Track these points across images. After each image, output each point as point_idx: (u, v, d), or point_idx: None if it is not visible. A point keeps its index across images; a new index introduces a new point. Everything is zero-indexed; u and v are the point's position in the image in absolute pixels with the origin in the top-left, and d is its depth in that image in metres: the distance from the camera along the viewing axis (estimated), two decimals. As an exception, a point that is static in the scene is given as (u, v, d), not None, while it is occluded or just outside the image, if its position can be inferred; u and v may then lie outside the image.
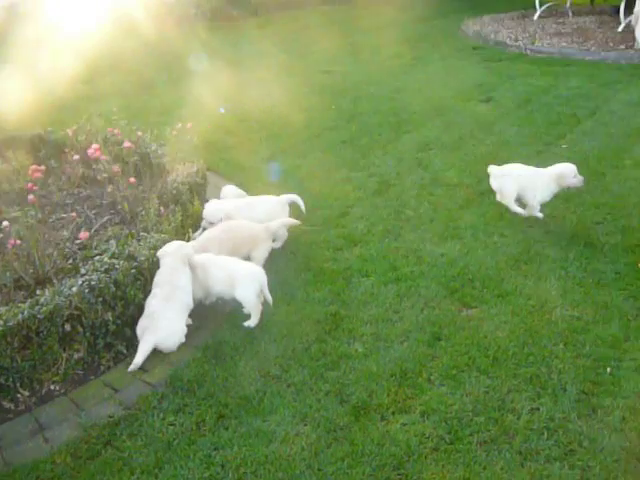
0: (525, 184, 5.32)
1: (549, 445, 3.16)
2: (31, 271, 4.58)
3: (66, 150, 6.29)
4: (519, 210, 5.36)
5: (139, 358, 3.83)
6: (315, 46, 13.71)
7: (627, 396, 3.45)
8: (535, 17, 14.32)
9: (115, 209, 5.75)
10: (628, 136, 7.22)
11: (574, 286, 4.47)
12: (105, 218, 5.60)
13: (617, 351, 3.80)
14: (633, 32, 11.08)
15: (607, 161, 6.54)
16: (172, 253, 4.20)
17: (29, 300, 3.75)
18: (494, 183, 5.43)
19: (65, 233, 5.21)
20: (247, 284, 4.16)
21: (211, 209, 5.12)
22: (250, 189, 6.26)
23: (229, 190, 5.61)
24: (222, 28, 16.82)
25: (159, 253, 4.24)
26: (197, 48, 14.13)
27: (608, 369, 3.65)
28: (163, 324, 3.93)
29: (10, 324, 3.52)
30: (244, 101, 9.61)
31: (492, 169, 5.43)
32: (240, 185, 6.39)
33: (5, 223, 4.36)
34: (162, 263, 4.21)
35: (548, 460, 3.08)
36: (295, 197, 5.30)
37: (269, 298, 4.23)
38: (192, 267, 4.22)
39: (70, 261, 4.80)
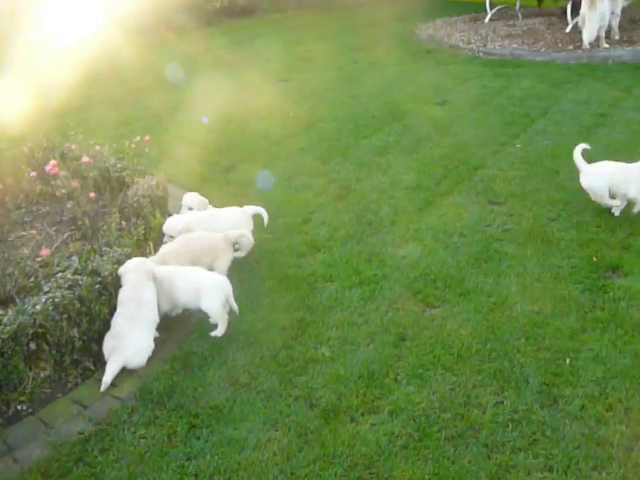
0: (617, 180, 5.30)
1: (514, 436, 3.26)
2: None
3: (22, 167, 6.21)
4: (616, 202, 5.37)
5: (108, 378, 3.81)
6: (270, 54, 13.75)
7: (585, 385, 3.57)
8: (486, 20, 14.62)
9: (75, 225, 5.70)
10: (579, 134, 7.42)
11: (533, 282, 4.60)
12: (66, 234, 5.54)
13: (575, 342, 3.93)
14: (580, 33, 11.39)
15: (560, 159, 6.72)
16: (134, 270, 4.19)
17: (-9, 320, 3.71)
18: (584, 181, 5.45)
19: (25, 251, 5.15)
20: (212, 294, 4.18)
21: (171, 223, 5.12)
22: (212, 200, 6.28)
23: (191, 198, 5.58)
24: (174, 39, 16.75)
25: (120, 270, 4.21)
26: (152, 61, 14.09)
27: (567, 360, 3.77)
28: (130, 343, 3.92)
29: (-27, 346, 3.48)
30: (201, 112, 9.60)
31: (582, 167, 5.41)
32: (202, 196, 6.43)
33: (-36, 243, 4.31)
34: (124, 280, 4.19)
35: (513, 451, 3.18)
36: (259, 209, 5.31)
37: (235, 307, 4.26)
38: (156, 280, 4.22)
39: (32, 279, 4.73)
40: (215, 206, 5.89)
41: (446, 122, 8.30)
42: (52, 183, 6.15)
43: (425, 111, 8.89)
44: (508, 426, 3.33)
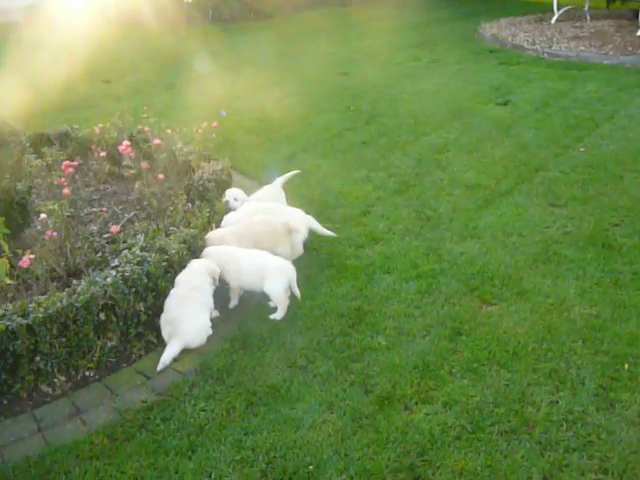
0: None
1: (568, 436, 3.27)
2: (63, 263, 4.75)
3: (92, 147, 6.45)
4: None
5: (166, 359, 3.93)
6: (331, 48, 13.84)
7: (644, 391, 3.55)
8: (553, 21, 14.39)
9: (141, 205, 5.91)
10: (646, 140, 7.31)
11: (592, 285, 4.57)
12: (132, 213, 5.76)
13: (635, 349, 3.90)
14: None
15: (625, 165, 6.63)
16: (200, 264, 4.34)
17: (67, 289, 3.90)
18: None
19: (94, 227, 5.37)
20: (276, 278, 4.29)
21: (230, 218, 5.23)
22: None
23: (235, 193, 5.62)
24: (235, 30, 17.00)
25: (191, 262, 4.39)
26: (213, 49, 14.35)
27: (626, 365, 3.75)
28: (186, 327, 4.04)
29: (50, 311, 3.67)
30: (263, 102, 9.76)
31: None
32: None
33: (43, 216, 4.52)
34: (188, 265, 4.35)
35: (567, 450, 3.19)
36: (317, 225, 5.21)
37: (297, 293, 4.36)
38: (222, 260, 4.36)
39: (99, 254, 4.95)
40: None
41: (508, 122, 8.25)
42: (123, 164, 6.39)
43: (486, 110, 8.84)
44: (562, 425, 3.34)
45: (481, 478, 3.05)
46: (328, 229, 5.21)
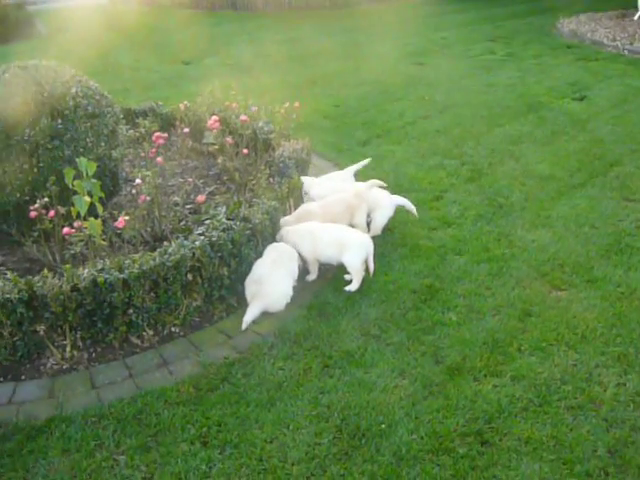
0: None
1: (635, 416, 3.36)
2: (150, 229, 5.06)
3: (177, 123, 6.77)
4: None
5: (248, 318, 4.19)
6: (406, 39, 13.89)
7: None
8: (635, 17, 14.05)
9: (221, 180, 6.19)
10: None
11: (665, 278, 4.60)
12: (213, 187, 6.05)
13: None
14: None
15: (703, 164, 6.54)
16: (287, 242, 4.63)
17: (158, 250, 4.18)
18: None
19: (177, 198, 5.67)
20: (355, 250, 4.49)
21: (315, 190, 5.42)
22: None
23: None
24: (312, 17, 17.23)
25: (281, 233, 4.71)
26: (290, 36, 14.62)
27: (696, 355, 3.79)
28: (270, 289, 4.29)
29: (144, 268, 3.96)
30: (338, 88, 9.96)
31: None
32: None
33: (138, 180, 4.83)
34: (279, 238, 4.67)
35: (633, 429, 3.28)
36: (405, 201, 5.38)
37: (372, 266, 4.54)
38: (299, 235, 4.59)
39: (182, 223, 5.24)
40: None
41: (583, 117, 8.19)
42: (203, 141, 6.69)
43: (562, 105, 8.79)
44: (629, 406, 3.42)
45: (546, 447, 3.18)
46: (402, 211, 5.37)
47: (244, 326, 4.18)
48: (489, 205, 5.79)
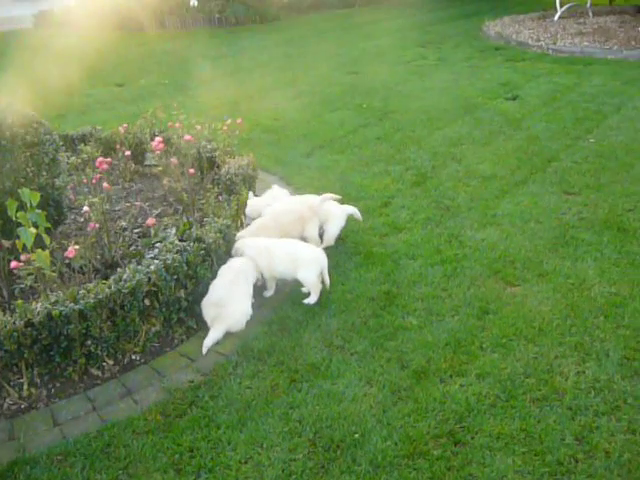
0: None
1: (596, 402, 3.46)
2: (99, 256, 4.95)
3: (117, 146, 6.66)
4: None
5: (209, 342, 4.12)
6: (338, 49, 14.08)
7: (666, 361, 3.75)
8: (556, 18, 14.61)
9: (167, 201, 6.12)
10: (653, 130, 7.51)
11: (610, 266, 4.76)
12: (160, 209, 5.97)
13: (654, 323, 4.10)
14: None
15: (635, 153, 6.83)
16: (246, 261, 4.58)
17: (113, 277, 4.09)
18: None
19: (124, 223, 5.57)
20: (309, 266, 4.48)
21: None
22: (293, 182, 6.64)
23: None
24: (241, 33, 17.25)
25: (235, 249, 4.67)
26: (222, 52, 14.59)
27: (647, 338, 3.95)
28: (231, 310, 4.24)
29: (100, 297, 3.86)
30: (276, 101, 9.99)
31: None
32: (283, 179, 6.77)
33: (86, 208, 4.71)
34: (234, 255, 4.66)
35: (596, 415, 3.38)
36: (354, 210, 5.41)
37: (327, 281, 4.54)
38: (255, 251, 4.57)
39: (132, 247, 5.15)
40: (297, 189, 6.22)
41: (518, 116, 8.45)
42: (145, 163, 6.61)
43: (496, 105, 9.05)
44: (590, 392, 3.53)
45: (517, 441, 3.24)
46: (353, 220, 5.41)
47: (204, 350, 4.12)
48: (437, 208, 5.90)
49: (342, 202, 5.49)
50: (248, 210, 5.44)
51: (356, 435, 3.33)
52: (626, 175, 6.33)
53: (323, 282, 4.57)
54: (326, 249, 4.87)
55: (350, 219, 5.40)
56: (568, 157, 6.92)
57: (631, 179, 6.23)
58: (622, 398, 3.48)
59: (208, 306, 4.33)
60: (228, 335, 4.24)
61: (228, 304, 4.28)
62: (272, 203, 5.42)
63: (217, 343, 4.17)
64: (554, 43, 12.36)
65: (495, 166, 6.79)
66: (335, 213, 5.26)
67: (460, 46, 13.36)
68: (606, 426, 3.30)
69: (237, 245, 4.75)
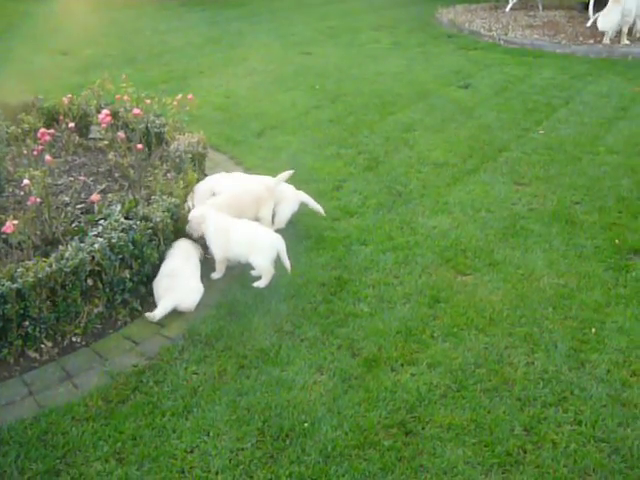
0: None
1: (545, 393, 3.49)
2: (38, 232, 4.71)
3: (60, 117, 6.37)
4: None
5: (158, 312, 4.00)
6: (293, 28, 13.87)
7: (611, 352, 3.80)
8: (507, 9, 14.75)
9: (112, 176, 5.88)
10: (600, 125, 7.64)
11: (558, 258, 4.81)
12: (104, 185, 5.73)
13: (600, 315, 4.16)
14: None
15: (582, 147, 6.93)
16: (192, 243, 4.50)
17: (54, 255, 3.89)
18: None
19: (66, 198, 5.33)
20: (265, 251, 4.36)
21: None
22: (244, 162, 6.49)
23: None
24: (193, 6, 16.83)
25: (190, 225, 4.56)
26: (172, 26, 14.19)
27: (593, 329, 3.99)
28: (183, 283, 4.13)
29: (40, 276, 3.67)
30: (227, 78, 9.76)
31: None
32: (234, 158, 6.62)
33: (26, 181, 4.47)
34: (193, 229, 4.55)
35: (544, 405, 3.41)
36: (308, 198, 5.26)
37: (287, 265, 4.41)
38: (213, 229, 4.43)
39: (74, 224, 4.93)
40: (248, 170, 6.07)
41: (470, 105, 8.48)
42: (90, 135, 6.35)
43: (448, 93, 9.06)
44: (539, 384, 3.55)
45: (468, 431, 3.23)
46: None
47: (150, 316, 3.99)
48: (388, 193, 5.85)
49: (294, 184, 5.38)
50: (202, 188, 5.23)
51: (306, 424, 3.26)
52: (574, 168, 6.42)
53: (283, 266, 4.45)
54: (277, 232, 4.76)
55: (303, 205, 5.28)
56: (518, 148, 6.97)
57: (578, 172, 6.32)
58: (569, 389, 3.52)
59: (160, 279, 4.21)
60: (175, 317, 4.11)
61: (181, 276, 4.18)
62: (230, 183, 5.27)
63: (162, 325, 4.04)
64: (505, 34, 12.46)
65: (447, 153, 6.79)
66: (289, 196, 5.15)
67: (414, 32, 13.33)
68: (554, 417, 3.33)
69: (198, 214, 4.58)
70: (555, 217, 5.42)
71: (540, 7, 14.80)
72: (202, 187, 5.20)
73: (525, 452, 3.13)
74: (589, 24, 12.57)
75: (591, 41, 11.70)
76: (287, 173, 5.10)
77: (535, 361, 3.73)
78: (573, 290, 4.42)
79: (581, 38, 11.97)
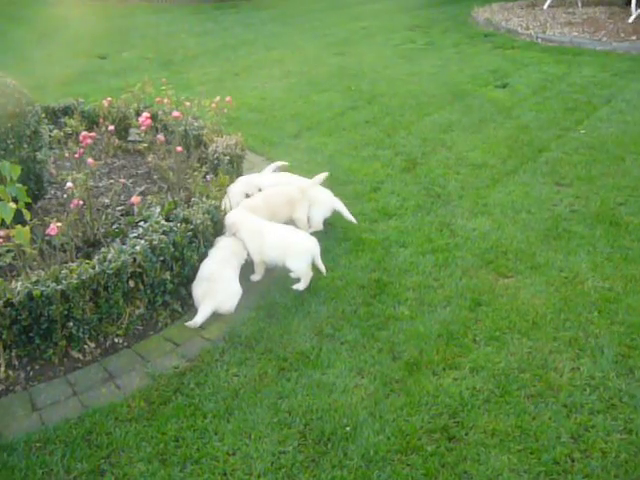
0: None
1: (592, 400, 3.40)
2: (80, 234, 4.77)
3: (100, 120, 6.44)
4: None
5: (199, 319, 4.02)
6: (326, 29, 13.86)
7: (661, 359, 3.70)
8: (545, 6, 14.52)
9: (151, 178, 5.93)
10: (644, 124, 7.46)
11: (603, 261, 4.70)
12: (143, 187, 5.79)
13: (649, 320, 4.05)
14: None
15: (625, 147, 6.77)
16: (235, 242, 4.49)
17: (97, 257, 3.93)
18: None
19: (107, 200, 5.39)
20: (300, 255, 4.35)
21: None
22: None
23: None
24: (227, 9, 16.93)
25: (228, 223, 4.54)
26: (207, 28, 14.29)
27: (641, 335, 3.90)
28: (222, 287, 4.14)
29: (83, 278, 3.71)
30: (263, 80, 9.79)
31: None
32: (270, 160, 6.61)
33: (69, 184, 4.53)
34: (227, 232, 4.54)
35: (592, 413, 3.32)
36: (341, 207, 5.16)
37: (322, 268, 4.41)
38: (248, 231, 4.43)
39: (115, 226, 4.97)
40: (284, 171, 6.05)
41: (508, 104, 8.36)
42: (129, 138, 6.41)
43: (485, 93, 8.94)
44: (586, 390, 3.47)
45: (512, 438, 3.17)
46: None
47: (191, 324, 4.02)
48: (427, 195, 5.79)
49: (331, 185, 5.35)
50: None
51: (347, 428, 3.24)
52: (617, 168, 6.28)
53: (318, 269, 4.44)
54: (315, 234, 4.74)
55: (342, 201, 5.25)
56: (559, 148, 6.85)
57: (622, 172, 6.17)
58: (617, 396, 3.43)
59: (199, 283, 4.22)
60: (215, 319, 4.12)
61: (219, 280, 4.19)
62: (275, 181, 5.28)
63: (202, 327, 4.05)
64: (543, 32, 12.26)
65: (486, 154, 6.70)
66: (322, 201, 5.11)
67: (449, 31, 13.21)
68: (602, 425, 3.24)
69: (232, 220, 4.58)
70: (599, 219, 5.30)
71: (579, 4, 14.54)
72: (236, 188, 5.20)
73: (573, 461, 3.06)
74: (632, 20, 12.32)
75: (633, 37, 11.43)
76: (322, 175, 5.08)
77: (581, 367, 3.65)
78: (619, 294, 4.31)
79: (622, 34, 11.71)
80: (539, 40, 12.01)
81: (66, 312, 3.68)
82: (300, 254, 4.38)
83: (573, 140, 7.06)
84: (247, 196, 5.16)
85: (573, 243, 4.95)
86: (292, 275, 4.47)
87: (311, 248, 4.40)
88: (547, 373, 3.60)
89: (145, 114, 5.35)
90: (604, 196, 5.70)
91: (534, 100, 8.52)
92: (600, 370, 3.61)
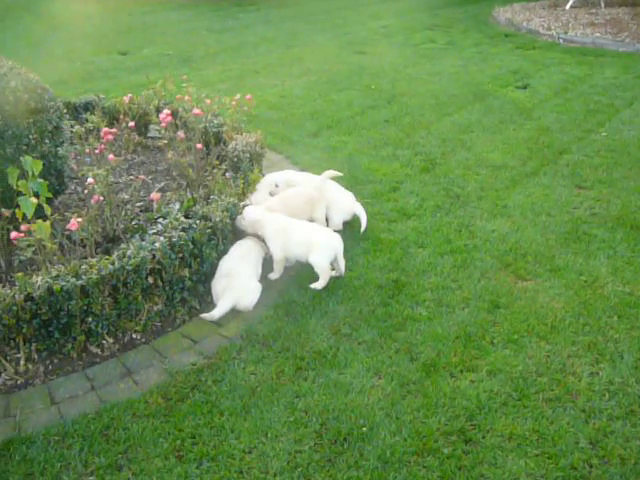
0: None
1: (611, 405, 3.37)
2: (100, 230, 4.80)
3: (120, 116, 6.48)
4: None
5: (216, 312, 4.04)
6: (347, 27, 13.84)
7: (681, 365, 3.66)
8: (567, 7, 14.40)
9: (170, 175, 5.96)
10: (667, 127, 7.38)
11: (623, 265, 4.65)
12: (163, 183, 5.81)
13: (669, 326, 4.01)
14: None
15: (648, 150, 6.71)
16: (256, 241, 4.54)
17: (116, 253, 3.96)
18: None
19: (126, 196, 5.42)
20: (323, 250, 4.36)
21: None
22: (300, 162, 6.49)
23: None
24: (246, 6, 16.96)
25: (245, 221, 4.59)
26: (227, 25, 14.33)
27: (661, 341, 3.85)
28: (241, 282, 4.16)
29: (103, 273, 3.73)
30: (282, 78, 9.79)
31: None
32: (289, 158, 6.62)
33: (90, 180, 4.56)
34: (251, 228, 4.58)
35: (611, 418, 3.29)
36: (361, 211, 5.16)
37: (342, 265, 4.42)
38: (273, 228, 4.44)
39: (134, 222, 5.00)
40: (304, 170, 6.06)
41: (528, 106, 8.30)
42: (149, 134, 6.44)
43: (506, 93, 8.89)
44: (604, 395, 3.44)
45: (529, 442, 3.15)
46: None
47: (208, 317, 4.06)
48: (446, 196, 5.77)
49: (349, 185, 5.35)
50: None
51: (364, 428, 3.24)
52: (638, 171, 6.21)
53: (337, 267, 4.44)
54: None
55: (361, 201, 5.25)
56: (580, 150, 6.79)
57: (644, 176, 6.11)
58: (637, 402, 3.39)
59: (218, 280, 4.25)
60: (232, 317, 4.13)
61: (238, 276, 4.21)
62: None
63: (220, 324, 4.07)
64: (565, 33, 12.17)
65: (505, 155, 6.66)
66: (344, 204, 5.13)
67: (469, 31, 13.14)
68: (621, 431, 3.21)
69: (253, 218, 4.59)
70: (619, 222, 5.25)
71: (602, 4, 14.41)
72: (264, 184, 5.23)
73: (591, 466, 3.03)
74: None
75: (657, 39, 11.33)
76: (332, 172, 5.08)
77: (600, 371, 3.62)
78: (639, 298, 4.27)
79: (646, 36, 11.60)
80: (561, 41, 11.92)
81: (85, 307, 3.71)
82: (323, 249, 4.39)
83: (594, 142, 7.00)
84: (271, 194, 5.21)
85: (593, 246, 4.91)
86: (314, 272, 4.45)
87: (335, 244, 4.41)
88: (565, 377, 3.57)
89: (166, 111, 5.37)
90: (625, 199, 5.64)
91: (555, 101, 8.45)
92: (619, 375, 3.58)
